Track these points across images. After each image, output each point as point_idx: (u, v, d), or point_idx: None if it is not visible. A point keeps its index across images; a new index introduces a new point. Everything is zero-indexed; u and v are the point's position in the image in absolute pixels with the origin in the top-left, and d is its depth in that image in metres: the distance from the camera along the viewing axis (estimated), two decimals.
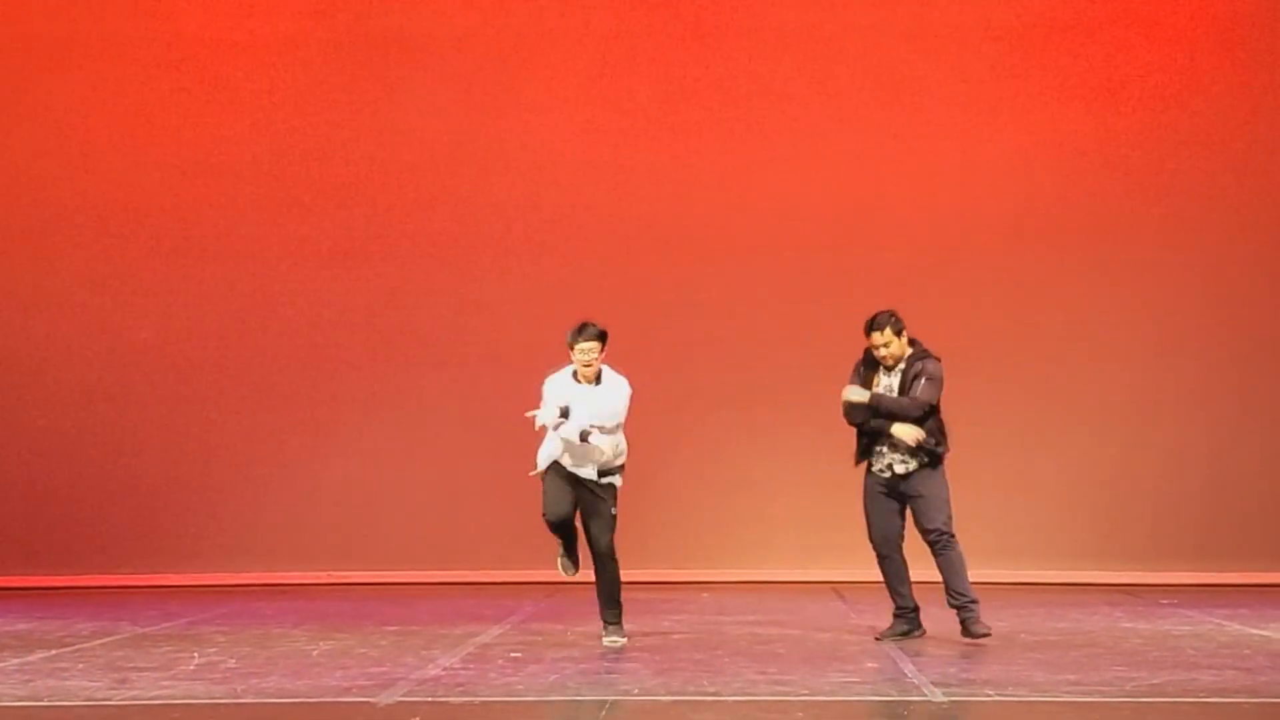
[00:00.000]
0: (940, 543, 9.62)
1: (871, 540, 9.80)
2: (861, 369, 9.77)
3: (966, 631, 9.58)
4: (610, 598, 9.69)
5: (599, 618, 9.72)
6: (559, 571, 9.75)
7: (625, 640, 9.60)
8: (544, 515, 9.59)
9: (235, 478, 13.95)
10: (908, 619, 9.83)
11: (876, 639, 9.72)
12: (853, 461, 9.80)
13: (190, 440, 13.98)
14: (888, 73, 13.96)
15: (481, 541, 13.71)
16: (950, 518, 9.64)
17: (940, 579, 9.64)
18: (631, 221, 13.94)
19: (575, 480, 9.53)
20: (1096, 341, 13.81)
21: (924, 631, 9.79)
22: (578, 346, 9.48)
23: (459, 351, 13.97)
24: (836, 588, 12.90)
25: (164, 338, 14.04)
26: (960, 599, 9.61)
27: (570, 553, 9.70)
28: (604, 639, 9.62)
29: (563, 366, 9.59)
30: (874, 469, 9.73)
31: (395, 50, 14.10)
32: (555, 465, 9.54)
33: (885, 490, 9.70)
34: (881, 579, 9.87)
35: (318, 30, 14.17)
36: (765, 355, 13.71)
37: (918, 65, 13.95)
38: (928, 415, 9.59)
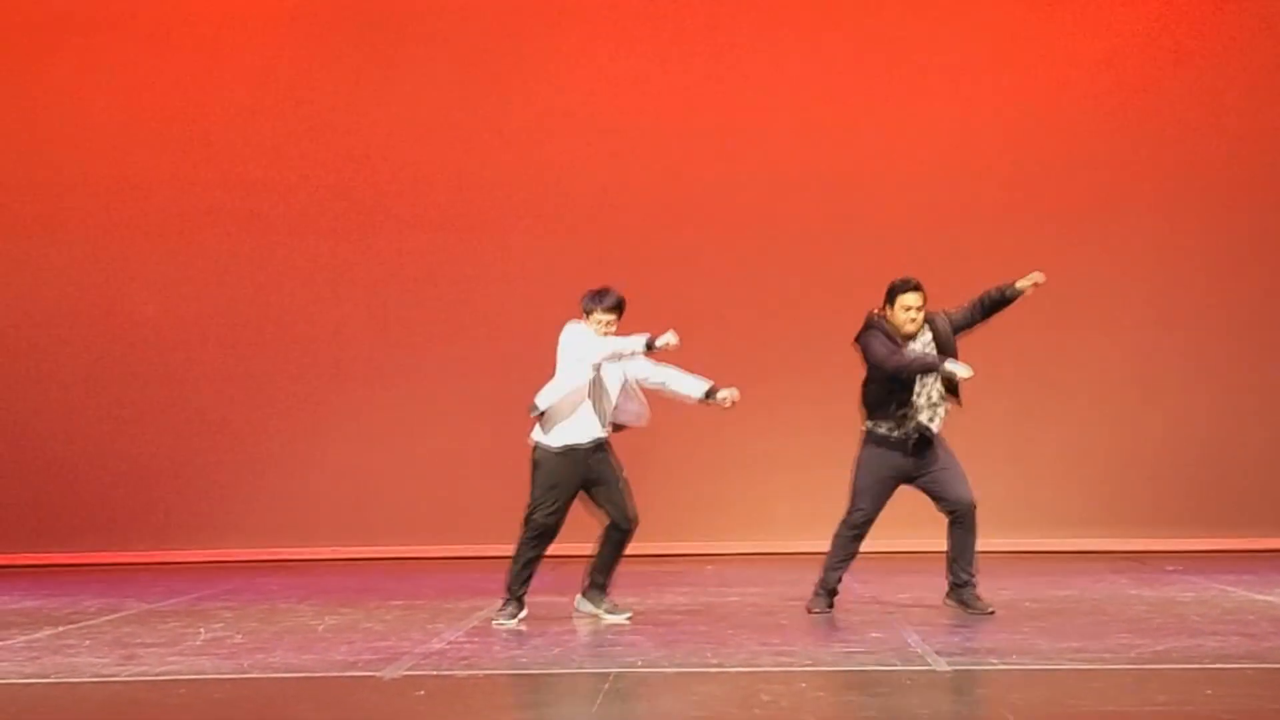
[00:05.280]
0: (971, 515, 9.38)
1: (861, 519, 9.44)
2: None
3: (975, 607, 9.40)
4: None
5: (596, 592, 9.52)
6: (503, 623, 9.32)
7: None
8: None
9: (240, 454, 13.97)
10: (832, 599, 9.65)
11: (811, 611, 9.55)
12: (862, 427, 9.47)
13: (194, 416, 13.99)
14: (884, 41, 13.93)
15: (485, 515, 13.66)
16: None
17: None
18: (631, 195, 13.93)
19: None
20: (1096, 309, 13.79)
21: None
22: (595, 316, 9.23)
23: (461, 326, 13.97)
24: None
25: (166, 314, 14.04)
26: (972, 575, 9.47)
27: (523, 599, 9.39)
28: (610, 615, 9.41)
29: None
30: (891, 434, 9.35)
31: (396, 24, 14.08)
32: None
33: (894, 470, 9.38)
34: (832, 553, 9.57)
35: (317, 4, 14.16)
36: (764, 329, 13.69)
37: (915, 32, 13.90)
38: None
